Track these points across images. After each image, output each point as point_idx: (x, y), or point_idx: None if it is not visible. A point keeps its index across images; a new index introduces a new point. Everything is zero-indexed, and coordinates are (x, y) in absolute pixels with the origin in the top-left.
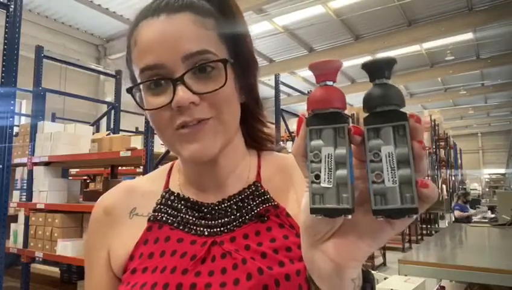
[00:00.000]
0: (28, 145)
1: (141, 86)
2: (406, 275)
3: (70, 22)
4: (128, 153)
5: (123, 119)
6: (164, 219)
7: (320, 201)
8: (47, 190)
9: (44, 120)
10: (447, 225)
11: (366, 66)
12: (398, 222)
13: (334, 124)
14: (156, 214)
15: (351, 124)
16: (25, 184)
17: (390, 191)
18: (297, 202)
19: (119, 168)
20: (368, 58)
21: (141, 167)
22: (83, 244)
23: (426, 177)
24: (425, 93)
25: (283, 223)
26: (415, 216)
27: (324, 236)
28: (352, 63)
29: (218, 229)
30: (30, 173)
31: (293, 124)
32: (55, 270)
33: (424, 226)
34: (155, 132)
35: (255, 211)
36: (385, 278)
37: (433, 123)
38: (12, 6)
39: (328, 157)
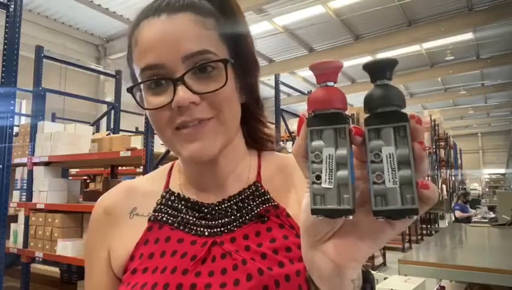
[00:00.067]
0: (28, 145)
1: (141, 86)
2: (406, 275)
3: (70, 22)
4: (128, 153)
5: (123, 119)
6: (164, 219)
7: (321, 202)
8: (47, 190)
9: (44, 120)
10: (447, 225)
11: (367, 67)
12: (398, 222)
13: (335, 125)
14: (157, 214)
15: (351, 125)
16: (25, 184)
17: (391, 191)
18: (297, 203)
19: (119, 168)
20: (368, 58)
21: (141, 167)
22: (83, 245)
23: (426, 178)
24: (425, 93)
25: (283, 224)
26: (415, 217)
27: (324, 237)
28: (352, 63)
29: (219, 229)
30: (30, 173)
31: (293, 124)
32: (55, 270)
33: (424, 226)
34: (155, 132)
35: (255, 211)
36: (385, 278)
37: (433, 123)
38: (12, 6)
39: (329, 158)
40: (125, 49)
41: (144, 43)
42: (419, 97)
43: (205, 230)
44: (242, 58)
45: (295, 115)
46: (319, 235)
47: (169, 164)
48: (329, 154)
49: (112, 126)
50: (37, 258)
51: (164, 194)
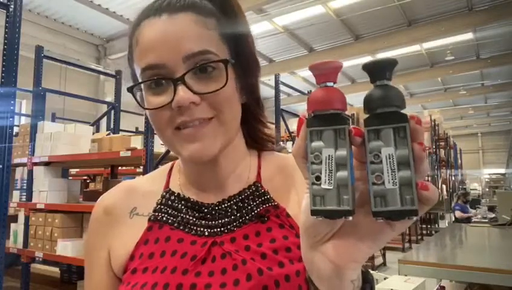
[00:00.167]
0: (28, 145)
1: (142, 86)
2: (406, 275)
3: (70, 22)
4: (128, 153)
5: (123, 119)
6: (164, 219)
7: (321, 203)
8: (47, 190)
9: (44, 120)
10: (447, 225)
11: (367, 67)
12: (398, 223)
13: (334, 126)
14: (157, 214)
15: (351, 125)
16: (25, 184)
17: (391, 192)
18: (298, 203)
19: (119, 168)
20: (368, 58)
21: (141, 167)
22: (83, 244)
23: (426, 179)
24: (425, 93)
25: (283, 224)
26: (415, 218)
27: (324, 237)
28: (352, 63)
29: (219, 229)
30: (30, 173)
31: (293, 124)
32: (55, 270)
33: (424, 226)
34: (155, 132)
35: (255, 211)
36: (385, 278)
37: (433, 123)
38: (12, 6)
39: (329, 159)
40: (125, 49)
41: (145, 43)
42: (419, 97)
43: (205, 230)
44: (243, 58)
45: (295, 115)
46: (318, 236)
47: (169, 164)
48: (329, 155)
49: (112, 126)
50: (37, 258)
51: (164, 194)
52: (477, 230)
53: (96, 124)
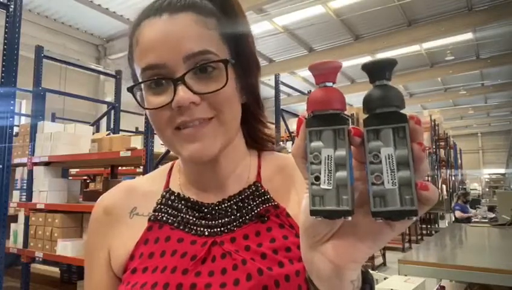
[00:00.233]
0: (28, 145)
1: (142, 85)
2: (406, 275)
3: (70, 22)
4: (128, 153)
5: (123, 119)
6: (164, 218)
7: (320, 203)
8: (47, 190)
9: (44, 120)
10: (447, 225)
11: (366, 67)
12: (397, 223)
13: (333, 126)
14: (157, 213)
15: (350, 126)
16: (25, 184)
17: (390, 193)
18: (297, 203)
19: (119, 168)
20: (367, 58)
21: (141, 167)
22: (82, 245)
23: (426, 179)
24: (425, 93)
25: (283, 224)
26: (414, 218)
27: (323, 238)
28: (352, 63)
29: (219, 229)
30: (30, 173)
31: (293, 124)
32: (55, 270)
33: (424, 226)
34: (155, 132)
35: (255, 211)
36: (385, 278)
37: (433, 123)
38: (12, 6)
39: (328, 159)
40: (125, 49)
41: (145, 42)
42: (419, 97)
43: (205, 230)
44: (243, 58)
45: (295, 115)
46: (318, 236)
47: (169, 163)
48: (328, 155)
49: (111, 126)
50: (37, 258)
51: (164, 193)
52: (477, 230)
53: (96, 124)
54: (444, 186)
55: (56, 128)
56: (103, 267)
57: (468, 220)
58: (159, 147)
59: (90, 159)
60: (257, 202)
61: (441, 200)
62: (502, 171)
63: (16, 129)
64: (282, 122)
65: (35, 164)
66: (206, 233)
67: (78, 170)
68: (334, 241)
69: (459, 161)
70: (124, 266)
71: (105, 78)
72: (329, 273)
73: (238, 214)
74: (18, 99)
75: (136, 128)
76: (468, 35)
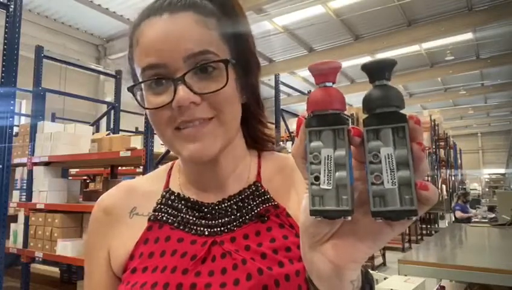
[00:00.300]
0: (28, 145)
1: (142, 85)
2: (405, 275)
3: (70, 22)
4: (128, 153)
5: (123, 119)
6: (164, 218)
7: (320, 203)
8: (47, 190)
9: (44, 120)
10: (447, 225)
11: (365, 68)
12: (397, 223)
13: (333, 126)
14: (157, 213)
15: (350, 126)
16: (25, 184)
17: (390, 192)
18: (297, 203)
19: (119, 168)
20: (367, 58)
21: (141, 167)
22: (82, 245)
23: (426, 179)
24: (425, 93)
25: (283, 223)
26: (414, 218)
27: (323, 238)
28: (352, 63)
29: (219, 229)
30: (30, 173)
31: (293, 124)
32: (55, 270)
33: (424, 226)
34: (155, 132)
35: (255, 211)
36: (385, 278)
37: (433, 123)
38: (12, 6)
39: (328, 159)
40: (125, 49)
41: (146, 42)
42: (419, 97)
43: (205, 230)
44: (243, 58)
45: (295, 115)
46: (318, 236)
47: (169, 163)
48: (328, 155)
49: (111, 126)
50: (37, 258)
51: (164, 193)
52: (477, 230)
53: (96, 124)
54: (443, 186)
55: (56, 128)
56: (103, 267)
57: (468, 220)
58: (159, 147)
59: (90, 159)
60: (257, 201)
61: (440, 200)
62: (502, 171)
63: (15, 129)
64: (282, 122)
65: (35, 164)
66: (206, 233)
67: (78, 170)
68: (334, 241)
69: (459, 161)
70: (124, 265)
71: (105, 78)
72: (329, 273)
73: (238, 214)
74: (18, 99)
75: (136, 128)
76: (468, 35)
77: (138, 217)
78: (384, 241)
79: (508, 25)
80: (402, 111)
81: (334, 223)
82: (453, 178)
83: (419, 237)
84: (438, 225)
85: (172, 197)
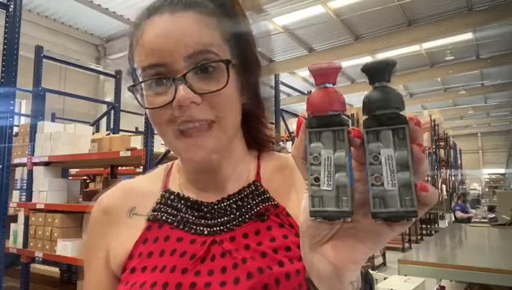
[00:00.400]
0: (28, 145)
1: (142, 85)
2: (405, 275)
3: (70, 22)
4: (128, 153)
5: (123, 119)
6: (164, 218)
7: (320, 204)
8: (47, 190)
9: (44, 120)
10: (447, 225)
11: (365, 69)
12: (397, 224)
13: (333, 127)
14: (156, 213)
15: (350, 127)
16: (25, 184)
17: (390, 194)
18: (297, 203)
19: (119, 168)
20: (367, 58)
21: (141, 167)
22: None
23: (426, 179)
24: (425, 93)
25: (283, 223)
26: (414, 219)
27: (323, 239)
28: (352, 63)
29: (218, 228)
30: (30, 173)
31: (292, 124)
32: (55, 270)
33: (424, 226)
34: (155, 132)
35: (255, 210)
36: (385, 278)
37: (433, 123)
38: (12, 6)
39: (328, 160)
40: (125, 49)
41: (146, 42)
42: (419, 97)
43: (205, 229)
44: (244, 58)
45: (295, 115)
46: (317, 237)
47: (168, 163)
48: (328, 157)
49: (111, 126)
50: (36, 258)
51: (163, 193)
52: (477, 230)
53: (96, 124)
54: (443, 186)
55: (56, 128)
56: (102, 267)
57: (468, 220)
58: (159, 147)
59: (90, 159)
60: (256, 201)
61: (440, 200)
62: (502, 171)
63: (15, 129)
64: (282, 122)
65: (35, 164)
66: (206, 232)
67: (78, 170)
68: (334, 242)
69: (459, 161)
70: (123, 265)
71: (105, 78)
72: (329, 274)
73: (237, 213)
74: (18, 99)
75: (136, 128)
76: (468, 35)
77: (137, 217)
78: (384, 242)
79: (508, 25)
80: (402, 112)
81: (333, 224)
82: (453, 178)
83: (419, 237)
84: (438, 225)
85: (172, 197)
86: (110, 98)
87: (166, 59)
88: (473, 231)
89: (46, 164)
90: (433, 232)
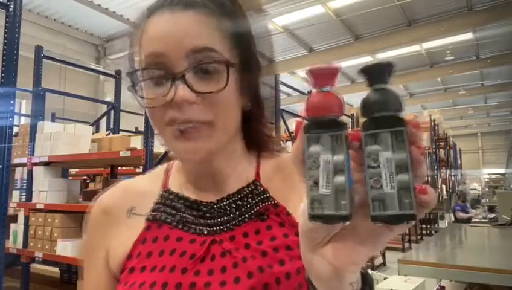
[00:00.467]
0: (28, 145)
1: (142, 84)
2: (405, 275)
3: (70, 22)
4: (128, 153)
5: (123, 119)
6: (163, 218)
7: (319, 208)
8: (47, 190)
9: (44, 120)
10: (446, 225)
11: (364, 71)
12: (396, 227)
13: (331, 131)
14: (155, 213)
15: (349, 130)
16: (25, 184)
17: (389, 197)
18: (297, 203)
19: (119, 168)
20: (367, 58)
21: (141, 167)
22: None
23: (426, 179)
24: (425, 93)
25: (283, 222)
26: (413, 222)
27: (322, 241)
28: (352, 63)
29: (218, 227)
30: (30, 173)
31: (292, 124)
32: (55, 271)
33: (424, 226)
34: (155, 132)
35: (255, 209)
36: (385, 278)
37: (432, 123)
38: (12, 6)
39: (326, 164)
40: (125, 49)
41: (146, 42)
42: (419, 97)
43: (204, 229)
44: (244, 59)
45: (295, 115)
46: (316, 240)
47: (168, 163)
48: (326, 160)
49: (111, 126)
50: (36, 258)
51: (163, 193)
52: (477, 230)
53: (96, 124)
54: (443, 186)
55: (56, 128)
56: (101, 267)
57: (468, 220)
58: (159, 147)
59: (90, 159)
60: (256, 200)
61: (440, 200)
62: (502, 171)
63: (15, 129)
64: (282, 123)
65: (35, 164)
66: (205, 232)
67: (78, 170)
68: (333, 244)
69: (459, 161)
70: (122, 265)
71: (105, 78)
72: (329, 275)
73: (237, 213)
74: (18, 99)
75: (136, 128)
76: (468, 35)
77: (137, 217)
78: (384, 243)
79: (508, 25)
80: (402, 113)
81: (332, 227)
82: (453, 178)
83: (419, 237)
84: (438, 225)
85: (171, 197)
86: (110, 98)
87: (166, 59)
88: (473, 231)
89: (46, 164)
90: (433, 232)
